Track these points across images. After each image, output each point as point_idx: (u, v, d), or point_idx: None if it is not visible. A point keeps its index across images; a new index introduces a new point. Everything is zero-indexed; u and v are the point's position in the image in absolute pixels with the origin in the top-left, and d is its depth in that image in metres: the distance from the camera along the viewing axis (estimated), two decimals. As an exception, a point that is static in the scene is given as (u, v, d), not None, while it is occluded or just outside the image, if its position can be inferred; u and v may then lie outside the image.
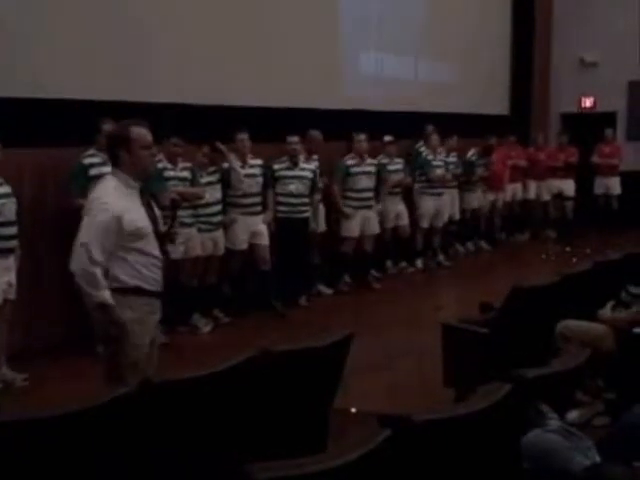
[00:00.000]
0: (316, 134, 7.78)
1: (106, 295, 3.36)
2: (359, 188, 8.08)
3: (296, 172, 7.35)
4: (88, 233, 3.36)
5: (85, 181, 5.68)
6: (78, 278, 3.36)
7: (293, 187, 7.29)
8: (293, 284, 7.51)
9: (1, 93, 5.58)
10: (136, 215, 3.45)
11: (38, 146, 5.81)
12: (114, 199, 3.39)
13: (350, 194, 8.09)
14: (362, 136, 8.07)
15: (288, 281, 7.38)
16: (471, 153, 10.30)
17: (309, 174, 7.48)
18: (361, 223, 8.14)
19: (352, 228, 8.11)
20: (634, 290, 4.39)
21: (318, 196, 7.61)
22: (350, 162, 8.07)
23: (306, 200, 7.45)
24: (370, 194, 8.19)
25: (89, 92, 6.20)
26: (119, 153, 3.46)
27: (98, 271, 3.34)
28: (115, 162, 3.51)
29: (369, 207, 8.18)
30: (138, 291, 3.46)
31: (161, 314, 3.67)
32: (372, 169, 8.19)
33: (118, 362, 3.45)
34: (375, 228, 8.24)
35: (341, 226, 8.09)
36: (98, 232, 3.34)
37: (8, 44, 5.69)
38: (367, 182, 8.12)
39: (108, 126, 5.72)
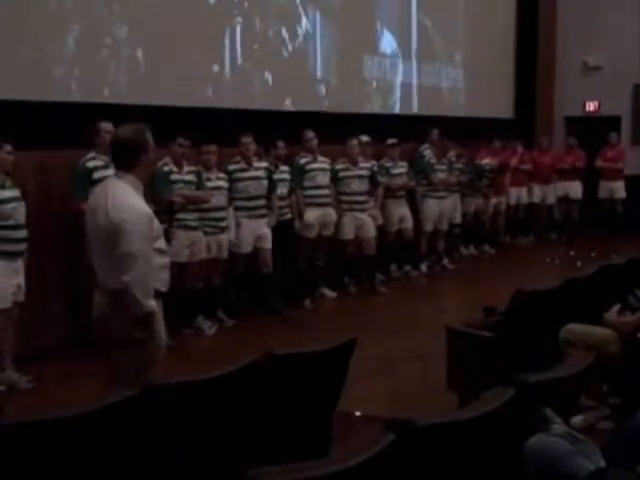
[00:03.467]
0: (310, 134, 7.79)
1: (154, 303, 3.39)
2: (350, 191, 8.08)
3: (277, 175, 7.37)
4: (136, 242, 3.31)
5: (89, 184, 5.67)
6: (133, 289, 3.31)
7: (277, 190, 7.31)
8: (295, 286, 7.53)
9: (2, 95, 5.59)
10: (154, 215, 3.51)
11: (39, 148, 5.81)
12: (139, 202, 3.41)
13: (342, 197, 8.10)
14: (354, 141, 8.07)
15: (289, 284, 7.40)
16: (484, 162, 10.22)
17: (287, 176, 7.51)
18: (355, 226, 8.14)
19: (346, 231, 8.11)
20: (642, 294, 4.38)
21: (295, 197, 7.64)
22: (340, 166, 8.07)
23: (287, 202, 7.51)
24: (363, 197, 8.17)
25: (89, 94, 6.20)
26: (140, 157, 3.45)
27: (152, 279, 3.38)
28: (130, 166, 3.46)
29: (362, 210, 8.17)
30: (156, 293, 3.47)
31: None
32: (365, 173, 8.17)
33: (139, 364, 3.44)
34: (370, 231, 8.20)
35: (337, 229, 8.10)
36: (144, 239, 3.34)
37: (8, 45, 5.70)
38: (359, 186, 8.11)
39: (105, 125, 5.75)
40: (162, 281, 3.53)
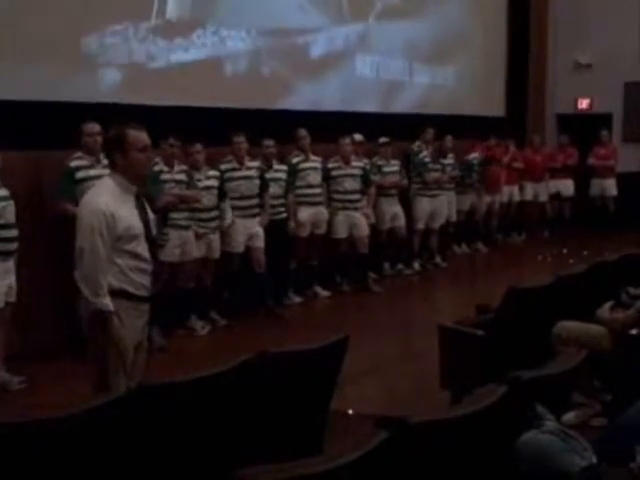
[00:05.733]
0: (303, 132, 7.79)
1: (107, 301, 3.35)
2: (343, 190, 8.08)
3: (271, 174, 7.36)
4: (86, 238, 3.33)
5: (71, 184, 5.70)
6: (81, 284, 3.33)
7: (271, 189, 7.30)
8: (283, 285, 7.54)
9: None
10: (128, 215, 3.43)
11: (32, 148, 5.79)
12: (106, 198, 3.39)
13: (335, 196, 8.10)
14: (347, 139, 8.07)
15: (279, 282, 7.42)
16: (472, 156, 10.26)
17: (282, 175, 7.51)
18: (348, 225, 8.15)
19: (339, 230, 8.11)
20: (634, 291, 4.39)
21: (292, 196, 7.64)
22: (332, 165, 8.06)
23: (282, 201, 7.50)
24: (356, 196, 8.17)
25: (82, 94, 6.19)
26: (115, 156, 3.45)
27: (101, 276, 3.34)
28: (112, 165, 3.50)
29: (355, 209, 8.18)
30: (124, 295, 3.43)
31: (148, 317, 3.63)
32: (357, 172, 8.17)
33: (105, 366, 3.43)
34: (364, 230, 8.21)
35: (330, 228, 8.11)
36: (95, 236, 3.32)
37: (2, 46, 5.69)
38: (352, 184, 8.11)
39: (89, 126, 5.74)
40: (134, 284, 3.46)
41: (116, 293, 3.40)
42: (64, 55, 6.14)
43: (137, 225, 3.47)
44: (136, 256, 3.46)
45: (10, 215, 5.15)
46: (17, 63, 5.78)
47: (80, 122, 5.85)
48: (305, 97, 8.61)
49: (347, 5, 9.16)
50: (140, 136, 3.45)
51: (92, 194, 3.48)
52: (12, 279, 5.19)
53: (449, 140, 9.64)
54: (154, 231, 3.64)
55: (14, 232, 5.19)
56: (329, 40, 8.91)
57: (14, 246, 5.20)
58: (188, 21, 7.24)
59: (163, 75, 6.94)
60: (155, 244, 3.65)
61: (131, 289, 3.46)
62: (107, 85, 6.49)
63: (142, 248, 3.49)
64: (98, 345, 3.46)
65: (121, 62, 6.60)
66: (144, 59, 6.81)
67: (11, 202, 5.18)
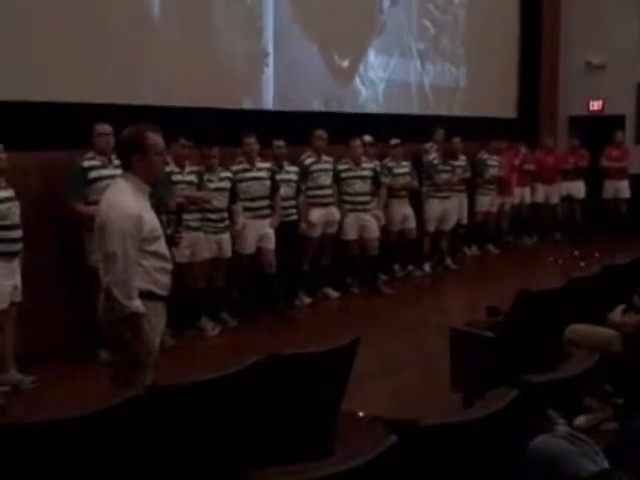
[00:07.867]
0: (322, 134, 7.80)
1: (139, 304, 3.33)
2: (353, 192, 8.07)
3: (282, 175, 7.36)
4: (117, 242, 3.30)
5: (83, 184, 5.73)
6: (114, 289, 3.29)
7: (281, 191, 7.30)
8: (294, 286, 7.55)
9: (5, 96, 5.58)
10: (150, 216, 3.46)
11: (44, 149, 5.81)
12: (131, 202, 3.38)
13: (345, 197, 8.09)
14: (357, 141, 8.06)
15: (290, 283, 7.42)
16: (481, 153, 10.29)
17: (293, 177, 7.51)
18: (358, 226, 8.14)
19: (349, 231, 8.11)
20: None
21: (303, 198, 7.64)
22: (342, 167, 8.05)
23: (293, 202, 7.50)
24: (366, 198, 8.16)
25: (93, 95, 6.21)
26: (133, 158, 3.42)
27: (133, 279, 3.32)
28: (127, 166, 3.48)
29: (365, 211, 8.16)
30: (150, 296, 3.43)
31: (166, 318, 3.65)
32: (368, 173, 8.16)
33: (130, 367, 3.41)
34: (374, 232, 8.20)
35: (340, 230, 8.10)
36: (126, 239, 3.30)
37: (9, 47, 5.70)
38: (362, 186, 8.10)
39: (100, 127, 5.75)
40: (159, 284, 3.47)
41: (143, 295, 3.38)
42: (75, 56, 6.15)
43: (158, 225, 3.49)
44: (160, 256, 3.47)
45: (15, 216, 5.15)
46: (29, 63, 5.79)
47: (89, 123, 5.86)
48: (315, 98, 8.59)
49: None
50: (158, 139, 3.45)
51: (114, 196, 3.43)
52: (17, 279, 5.19)
53: (457, 141, 9.61)
54: (165, 230, 3.65)
55: (19, 233, 5.19)
56: (338, 41, 8.88)
57: (19, 247, 5.20)
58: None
59: (172, 76, 6.94)
60: (168, 242, 3.66)
61: (157, 290, 3.46)
62: (118, 86, 6.49)
63: (164, 248, 3.51)
64: (121, 348, 3.43)
65: (131, 63, 6.61)
66: (153, 60, 6.82)
67: (16, 203, 5.19)
